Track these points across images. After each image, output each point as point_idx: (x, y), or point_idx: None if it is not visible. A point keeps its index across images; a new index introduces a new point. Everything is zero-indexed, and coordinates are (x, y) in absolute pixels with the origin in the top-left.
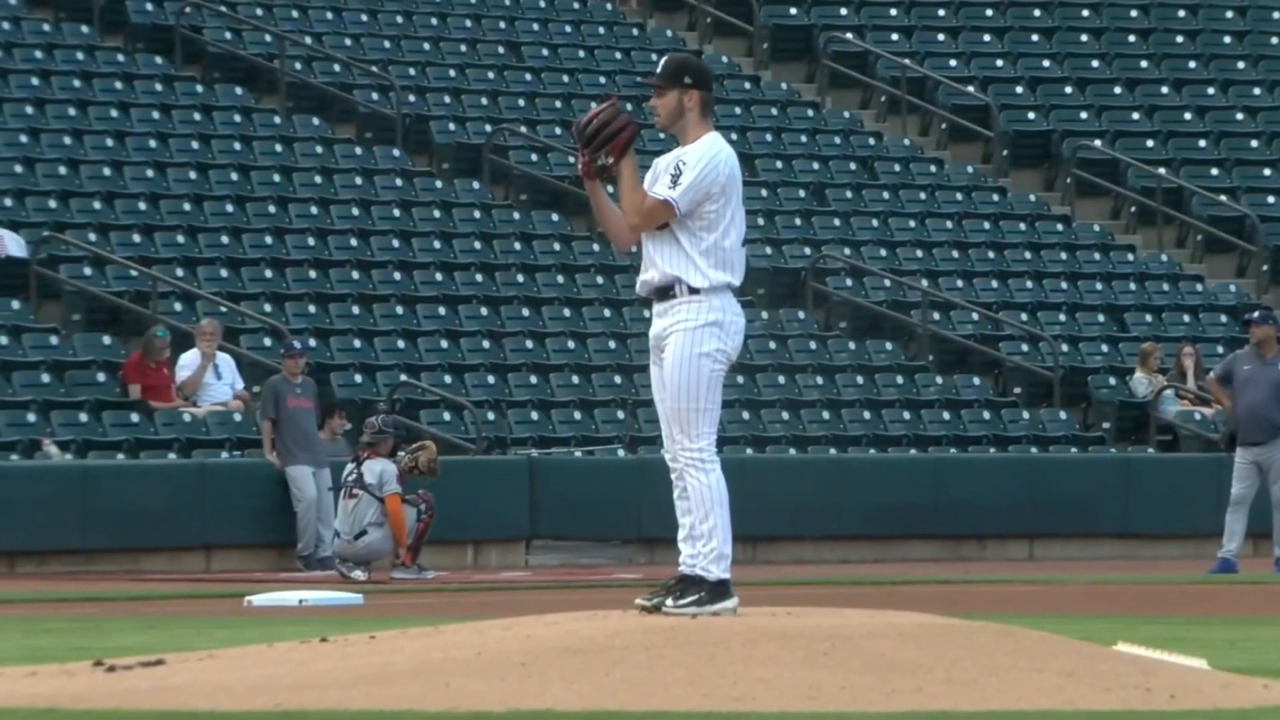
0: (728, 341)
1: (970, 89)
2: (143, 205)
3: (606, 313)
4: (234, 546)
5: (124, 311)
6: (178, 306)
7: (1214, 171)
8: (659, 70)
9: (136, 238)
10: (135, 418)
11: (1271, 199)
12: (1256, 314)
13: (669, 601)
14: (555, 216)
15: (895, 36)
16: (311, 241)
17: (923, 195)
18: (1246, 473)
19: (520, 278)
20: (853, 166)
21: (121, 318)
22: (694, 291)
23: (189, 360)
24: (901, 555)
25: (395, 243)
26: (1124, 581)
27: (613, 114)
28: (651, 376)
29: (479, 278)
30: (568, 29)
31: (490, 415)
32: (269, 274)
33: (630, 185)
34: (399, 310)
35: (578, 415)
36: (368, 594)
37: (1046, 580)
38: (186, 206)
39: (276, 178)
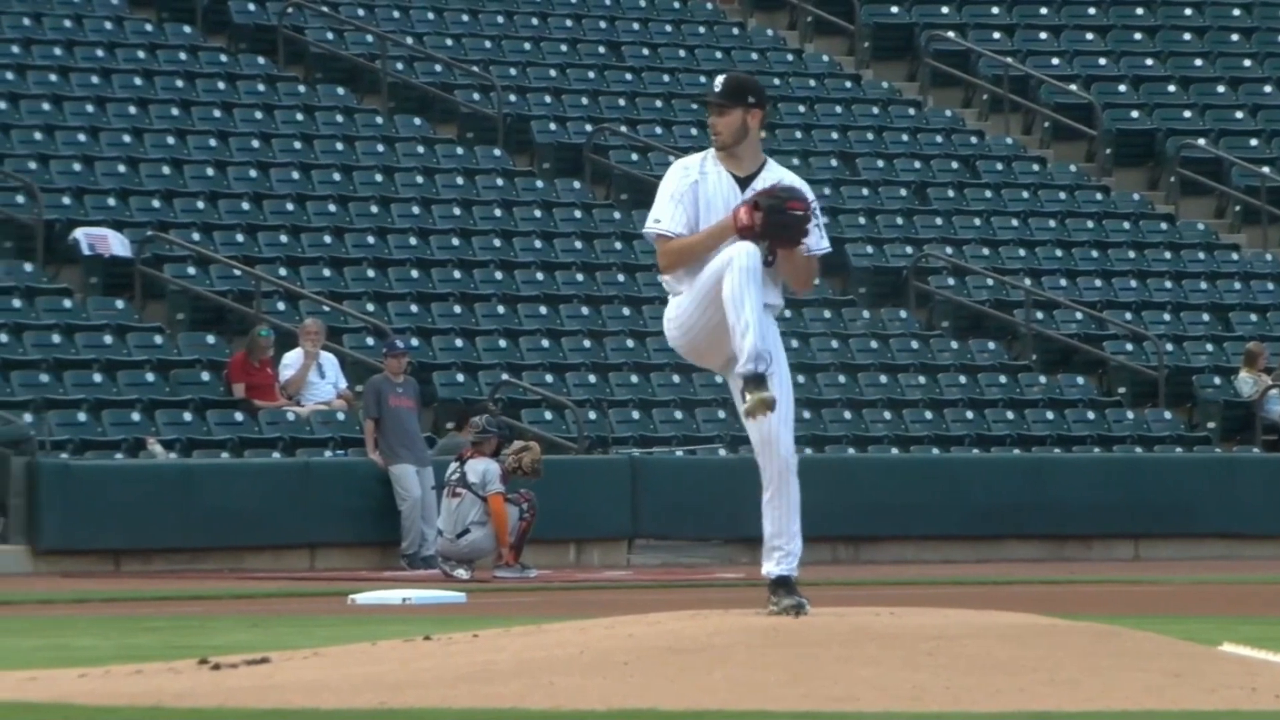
0: None
1: (1073, 87)
2: (246, 205)
3: None
4: (338, 545)
5: (228, 311)
6: (281, 306)
7: None
8: (720, 89)
9: (240, 237)
10: (239, 417)
11: None
12: None
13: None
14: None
15: (997, 35)
16: (413, 241)
17: (1025, 194)
18: None
19: (621, 277)
20: (955, 165)
21: (225, 317)
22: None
23: (293, 359)
24: (1004, 555)
25: (496, 242)
26: (1227, 582)
27: (806, 218)
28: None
29: (580, 277)
30: (668, 28)
31: (592, 414)
32: (371, 273)
33: (803, 260)
34: (500, 310)
35: (679, 415)
36: (471, 593)
37: (1150, 580)
38: (289, 206)
39: (379, 178)
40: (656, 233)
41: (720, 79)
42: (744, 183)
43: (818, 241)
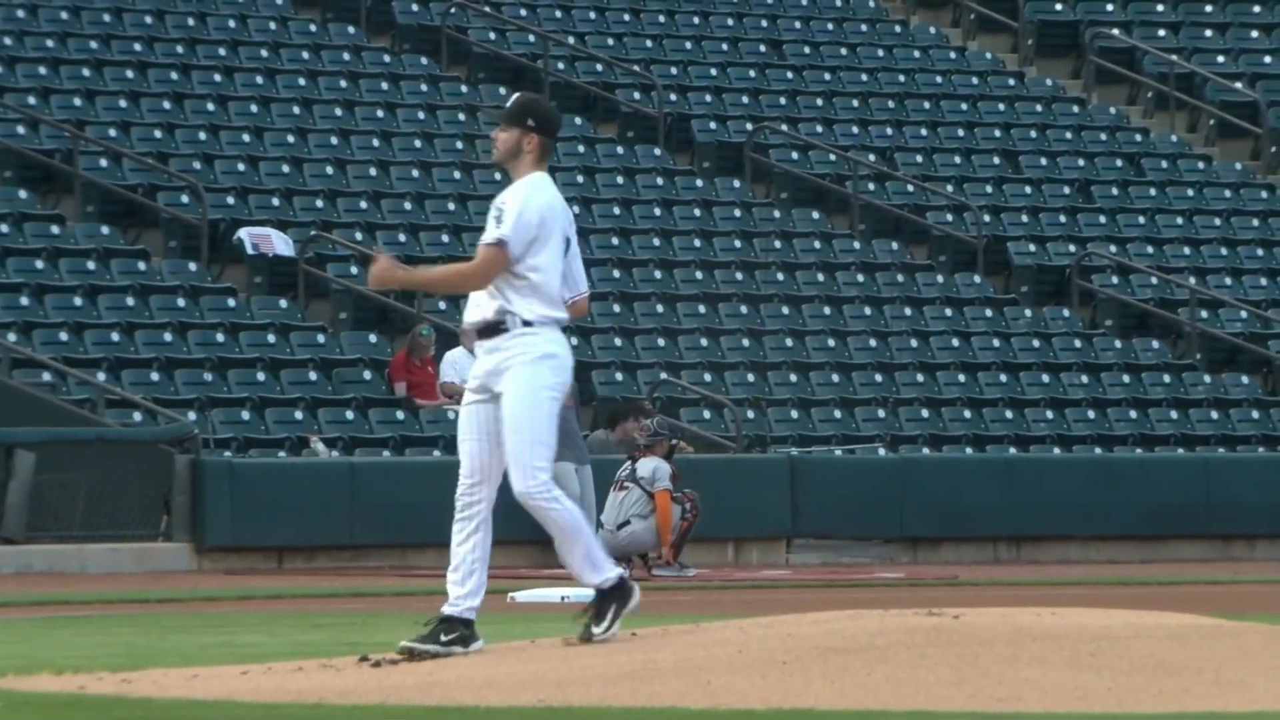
0: (562, 375)
1: (1238, 85)
2: (408, 205)
3: (867, 311)
4: (498, 542)
5: (390, 310)
6: (442, 305)
7: None
8: (508, 106)
9: (402, 237)
10: (400, 415)
11: None
12: None
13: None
14: (816, 214)
15: (1162, 32)
16: None
17: (1190, 192)
18: None
19: (780, 276)
20: (1119, 163)
21: (387, 316)
22: (527, 324)
23: (454, 357)
24: (1170, 555)
25: (656, 241)
26: None
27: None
28: (472, 417)
29: (739, 276)
30: (830, 26)
31: (750, 414)
32: None
33: (441, 273)
34: (659, 309)
35: (838, 414)
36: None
37: None
38: (451, 206)
39: None
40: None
41: (513, 98)
42: None
43: (492, 231)
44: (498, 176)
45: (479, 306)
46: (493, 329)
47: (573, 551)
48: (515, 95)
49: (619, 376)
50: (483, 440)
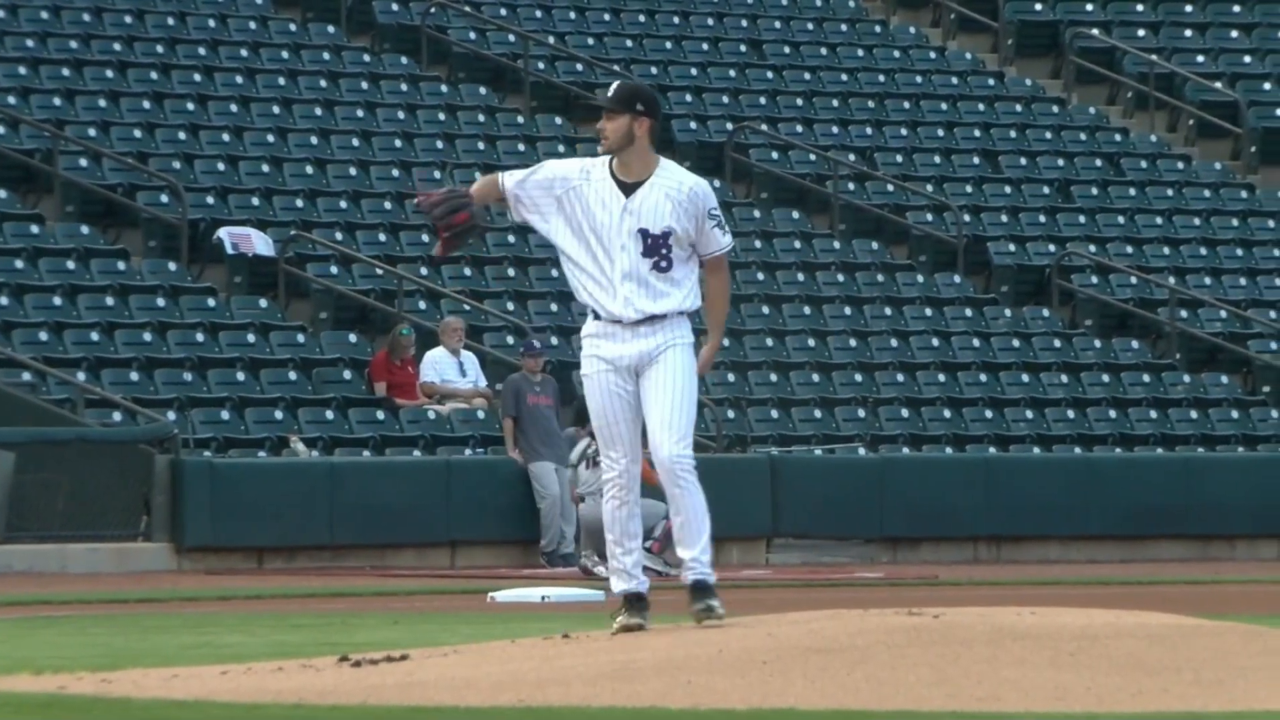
0: None
1: (1218, 85)
2: (388, 204)
3: (847, 310)
4: (478, 543)
5: (370, 310)
6: (422, 305)
7: None
8: (611, 94)
9: (382, 236)
10: (381, 415)
11: None
12: None
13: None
14: (796, 214)
15: (1142, 32)
16: None
17: (1170, 192)
18: None
19: (760, 275)
20: (1099, 163)
21: (367, 316)
22: (682, 313)
23: (435, 357)
24: (1149, 555)
25: None
26: None
27: (456, 230)
28: (621, 400)
29: None
30: (810, 26)
31: (730, 413)
32: (512, 272)
33: (721, 319)
34: None
35: (818, 414)
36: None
37: None
38: None
39: None
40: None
41: (614, 84)
42: (629, 188)
43: (719, 240)
44: (478, 176)
45: (642, 299)
46: (658, 319)
47: (701, 532)
48: (615, 84)
49: None
50: (634, 421)
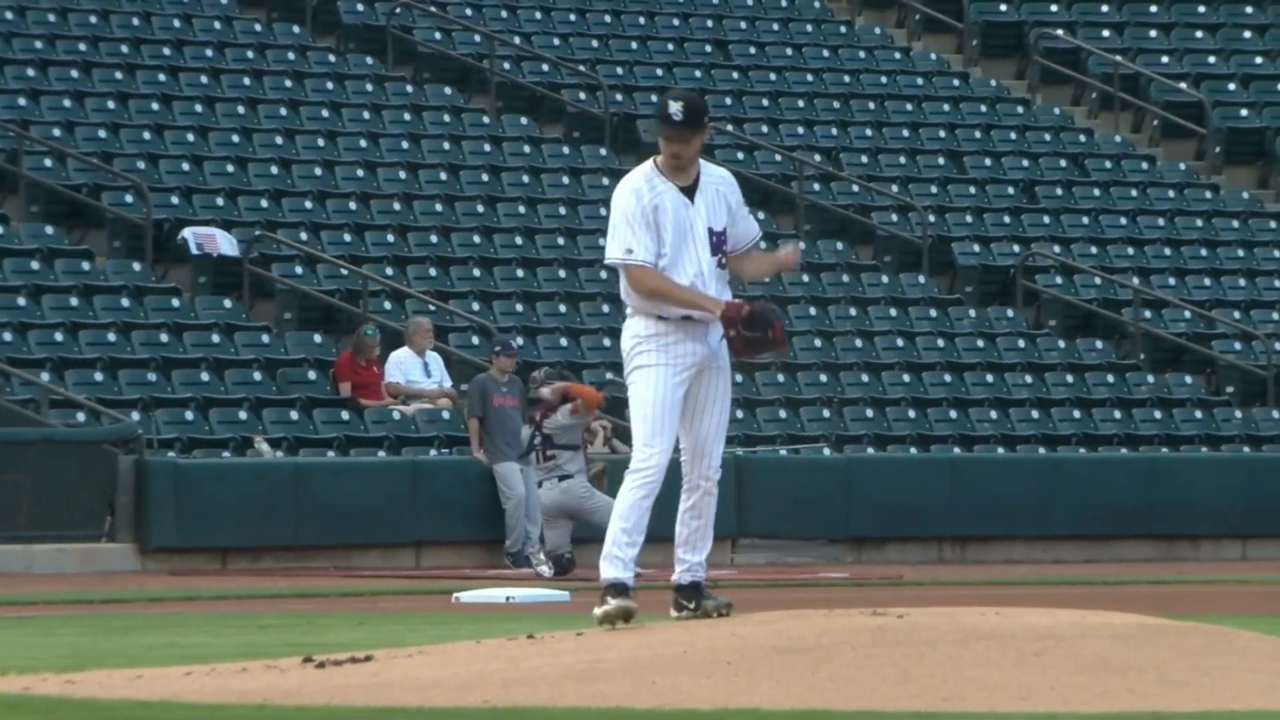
0: None
1: (1183, 85)
2: (353, 205)
3: (812, 311)
4: (444, 543)
5: (335, 310)
6: (387, 305)
7: None
8: (684, 117)
9: (347, 237)
10: (345, 416)
11: None
12: None
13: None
14: (761, 215)
15: (1107, 33)
16: (519, 240)
17: (1134, 192)
18: None
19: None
20: (1063, 164)
21: (332, 316)
22: None
23: (399, 358)
24: (1114, 555)
25: (602, 241)
26: None
27: (773, 342)
28: (675, 395)
29: None
30: (775, 27)
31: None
32: (477, 273)
33: (759, 260)
34: (605, 309)
35: (783, 414)
36: (574, 591)
37: (1260, 581)
38: (396, 206)
39: (485, 177)
40: (633, 263)
41: (678, 106)
42: (688, 192)
43: (753, 227)
44: (444, 177)
45: (721, 296)
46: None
47: (711, 538)
48: (681, 101)
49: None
50: (679, 420)
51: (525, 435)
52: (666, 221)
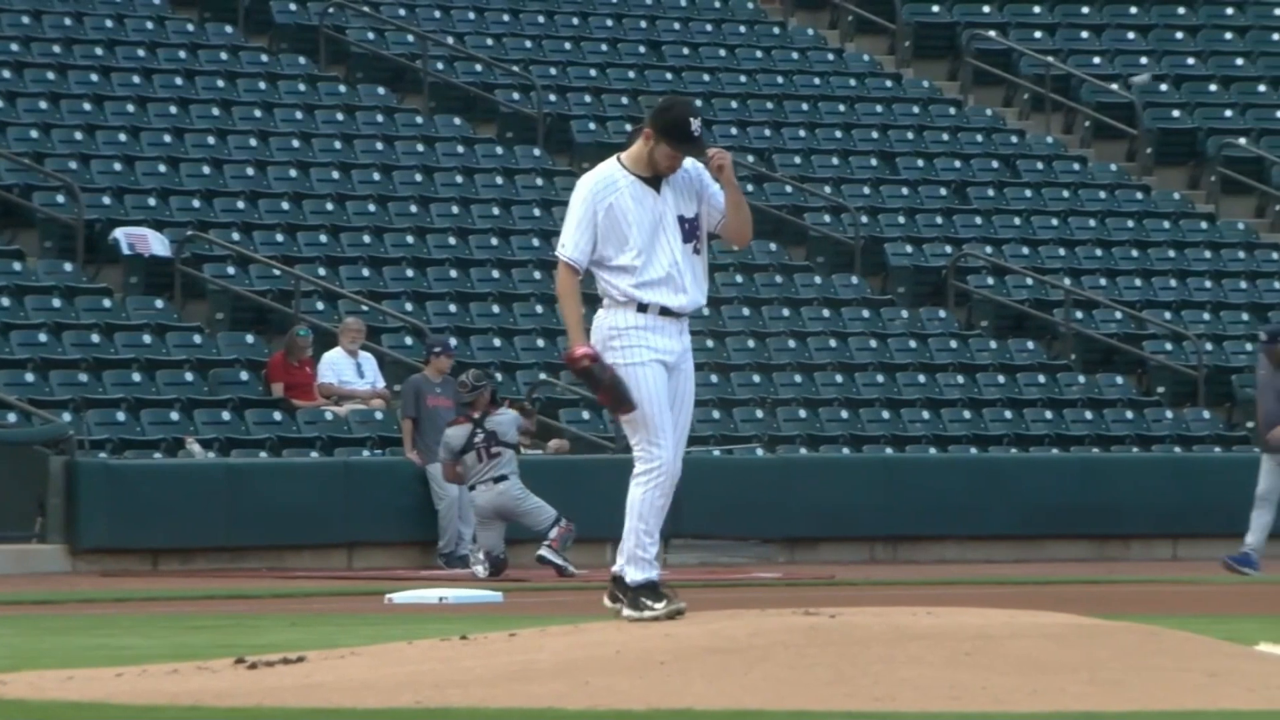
0: None
1: (1114, 86)
2: (286, 205)
3: (745, 311)
4: (377, 544)
5: (267, 310)
6: (320, 305)
7: None
8: (699, 133)
9: (279, 237)
10: (278, 416)
11: None
12: (1263, 335)
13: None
14: None
15: (1039, 34)
16: (452, 241)
17: (1066, 193)
18: (1270, 471)
19: None
20: (995, 165)
21: (265, 317)
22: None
23: (332, 358)
24: (1045, 555)
25: (535, 242)
26: (1269, 582)
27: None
28: (663, 389)
29: None
30: (709, 28)
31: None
32: (410, 273)
33: (739, 199)
34: (539, 309)
35: (716, 414)
36: (507, 592)
37: (1191, 580)
38: (329, 206)
39: (418, 177)
40: (562, 258)
41: (699, 124)
42: (654, 181)
43: (721, 201)
44: (377, 177)
45: (695, 290)
46: (695, 313)
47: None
48: (697, 121)
49: (499, 377)
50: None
51: (464, 433)
52: (629, 219)
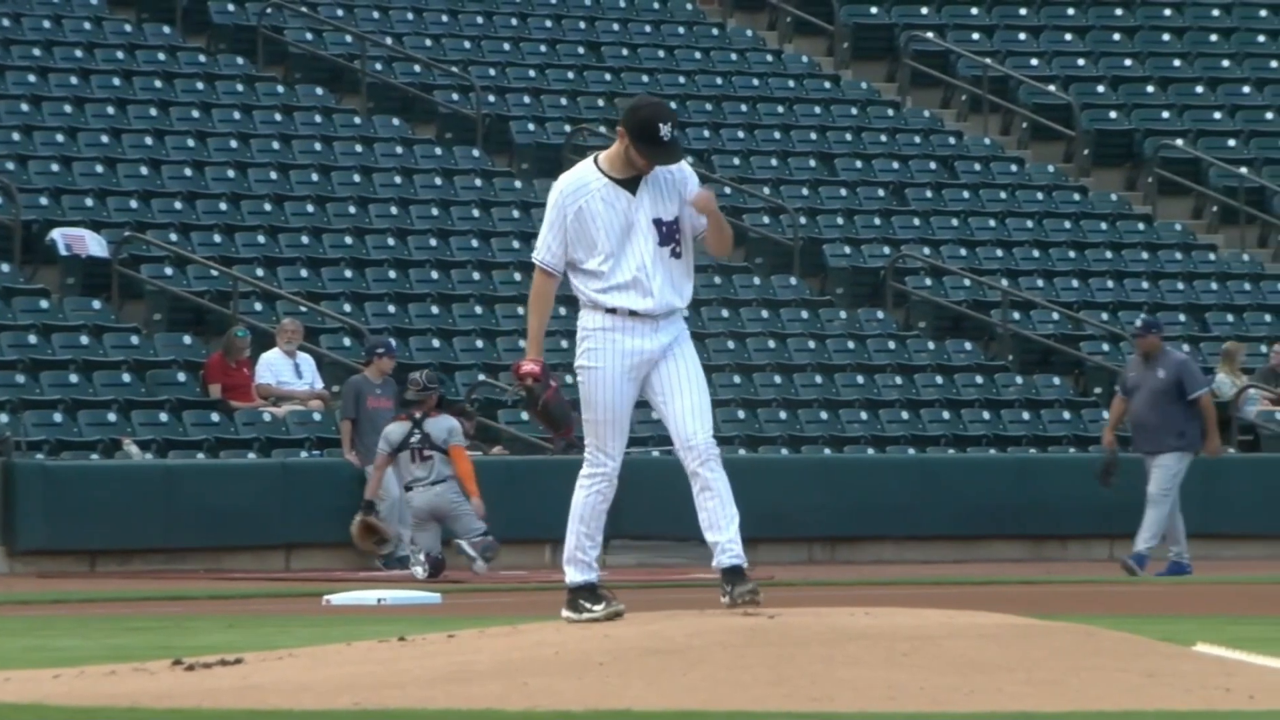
0: None
1: (1052, 88)
2: (224, 205)
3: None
4: (315, 545)
5: (205, 311)
6: (258, 306)
7: None
8: (673, 139)
9: (217, 238)
10: (215, 417)
11: None
12: (1139, 323)
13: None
14: None
15: (976, 35)
16: (391, 242)
17: (1003, 195)
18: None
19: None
20: (933, 166)
21: (202, 317)
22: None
23: (270, 359)
24: (983, 555)
25: (474, 243)
26: (1206, 582)
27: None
28: (631, 394)
29: None
30: (648, 29)
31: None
32: (349, 274)
33: (720, 224)
34: (478, 310)
35: (655, 415)
36: (446, 593)
37: (1128, 580)
38: (267, 207)
39: (357, 178)
40: (538, 263)
41: (667, 127)
42: (631, 184)
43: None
44: (315, 178)
45: (669, 292)
46: (677, 311)
47: (732, 516)
48: (670, 123)
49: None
50: (630, 418)
51: (404, 430)
52: (598, 223)
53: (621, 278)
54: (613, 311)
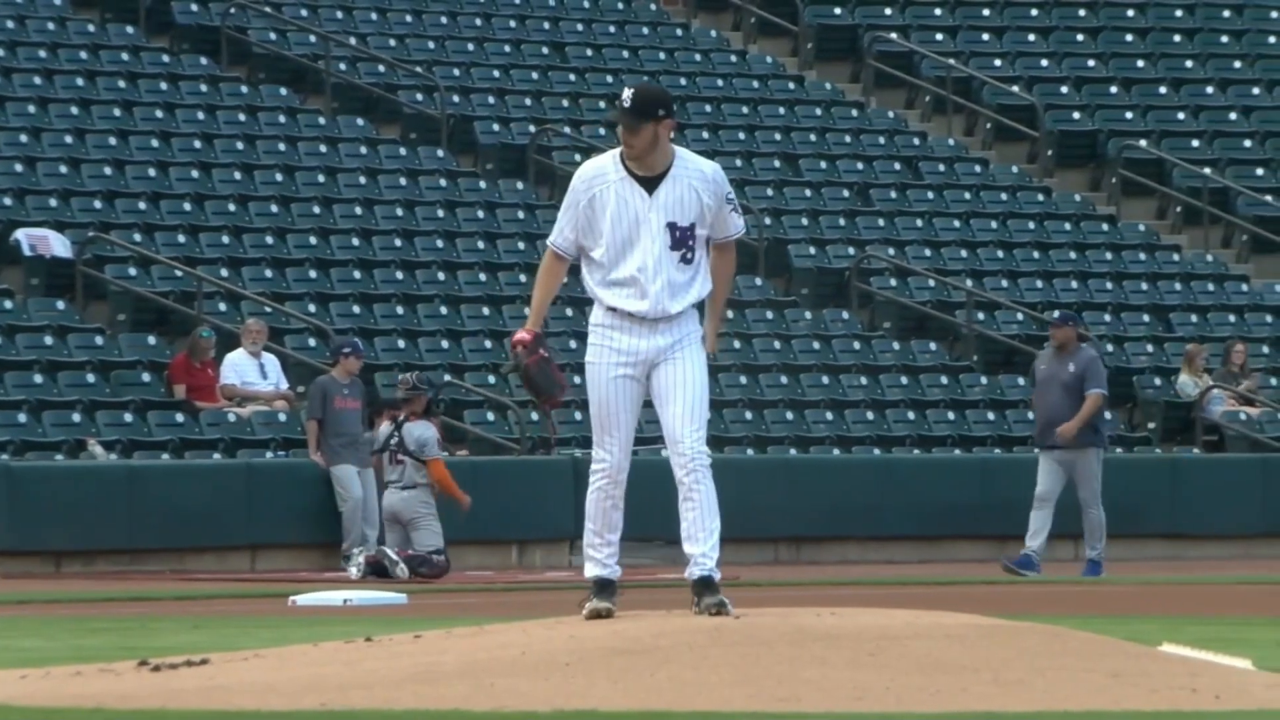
0: None
1: (1015, 89)
2: (188, 206)
3: None
4: (280, 546)
5: (169, 312)
6: (222, 307)
7: (1259, 171)
8: (631, 105)
9: (181, 238)
10: (180, 418)
11: None
12: (1057, 314)
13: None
14: None
15: (940, 36)
16: (356, 242)
17: (968, 195)
18: (1050, 471)
19: (565, 279)
20: (897, 166)
21: (167, 318)
22: (696, 305)
23: (235, 360)
24: (948, 556)
25: (439, 243)
26: (1171, 582)
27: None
28: (628, 391)
29: (523, 278)
30: (612, 29)
31: (534, 415)
32: (313, 274)
33: (722, 295)
34: (443, 310)
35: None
36: (412, 594)
37: (1094, 580)
38: (231, 207)
39: (321, 178)
40: (551, 244)
41: (629, 93)
42: (652, 182)
43: (736, 224)
44: (279, 178)
45: (668, 297)
46: (683, 314)
47: (712, 530)
48: (630, 93)
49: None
50: (634, 415)
51: (385, 432)
52: (606, 214)
53: (621, 274)
54: (613, 310)
